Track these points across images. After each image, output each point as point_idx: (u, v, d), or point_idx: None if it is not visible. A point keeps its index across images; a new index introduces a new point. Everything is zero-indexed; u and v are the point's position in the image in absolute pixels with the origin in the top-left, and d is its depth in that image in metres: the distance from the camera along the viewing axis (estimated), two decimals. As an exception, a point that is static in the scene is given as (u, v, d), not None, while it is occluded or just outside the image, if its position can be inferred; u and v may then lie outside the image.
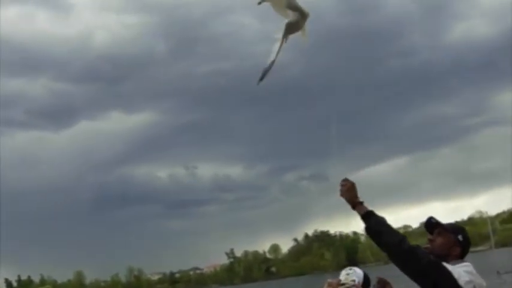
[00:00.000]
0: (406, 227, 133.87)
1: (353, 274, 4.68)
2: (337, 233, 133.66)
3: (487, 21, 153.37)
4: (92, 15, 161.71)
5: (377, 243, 3.92)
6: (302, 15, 4.39)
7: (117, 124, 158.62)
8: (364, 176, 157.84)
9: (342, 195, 4.00)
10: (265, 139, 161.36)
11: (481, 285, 3.77)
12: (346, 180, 4.01)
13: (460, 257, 3.93)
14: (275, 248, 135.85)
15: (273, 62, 4.32)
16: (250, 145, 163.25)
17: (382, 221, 3.91)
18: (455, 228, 4.13)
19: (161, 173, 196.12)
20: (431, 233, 4.10)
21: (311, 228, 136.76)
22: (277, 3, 4.47)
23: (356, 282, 4.61)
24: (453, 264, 3.76)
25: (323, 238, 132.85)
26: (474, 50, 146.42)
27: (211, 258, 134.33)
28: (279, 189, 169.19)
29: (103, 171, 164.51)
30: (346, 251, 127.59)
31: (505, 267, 39.54)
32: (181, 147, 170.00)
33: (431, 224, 4.12)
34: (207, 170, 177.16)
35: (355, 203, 3.96)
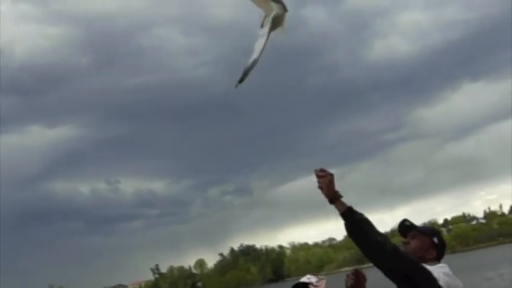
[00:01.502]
0: (331, 239, 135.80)
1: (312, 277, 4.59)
2: (263, 247, 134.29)
3: (406, 40, 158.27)
4: (12, 26, 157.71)
5: (358, 242, 3.53)
6: (284, 8, 3.89)
7: (38, 138, 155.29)
8: (288, 190, 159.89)
9: (320, 188, 3.55)
10: (189, 154, 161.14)
11: (457, 286, 3.73)
12: (324, 170, 3.55)
13: (436, 260, 3.83)
14: (201, 263, 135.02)
15: (255, 61, 3.79)
16: (174, 160, 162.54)
17: (364, 219, 3.51)
18: (431, 230, 4.01)
19: (83, 188, 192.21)
20: (404, 236, 3.95)
21: (237, 243, 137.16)
22: None
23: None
24: (430, 265, 3.66)
25: (249, 252, 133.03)
26: (393, 67, 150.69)
27: (136, 274, 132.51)
28: (203, 204, 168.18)
29: (23, 186, 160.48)
30: (272, 265, 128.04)
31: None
32: (104, 161, 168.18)
33: (405, 227, 3.98)
34: (130, 185, 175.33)
35: (336, 198, 3.52)
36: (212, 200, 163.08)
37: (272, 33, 3.95)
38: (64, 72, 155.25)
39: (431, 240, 3.88)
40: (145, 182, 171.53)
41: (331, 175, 3.54)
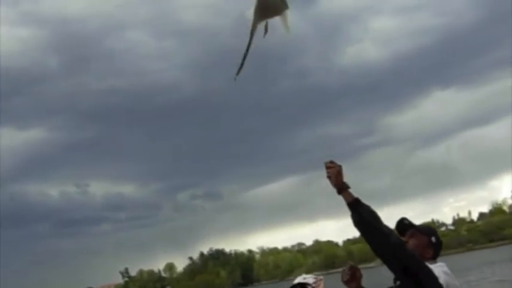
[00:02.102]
0: (300, 244, 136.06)
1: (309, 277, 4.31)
2: (232, 251, 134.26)
3: (377, 45, 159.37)
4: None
5: (364, 233, 3.59)
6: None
7: (7, 140, 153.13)
8: (258, 195, 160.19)
9: (329, 177, 3.64)
10: (158, 158, 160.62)
11: (455, 285, 3.82)
12: (332, 162, 3.68)
13: (432, 259, 3.91)
14: (170, 267, 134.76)
15: (248, 46, 3.60)
16: (144, 163, 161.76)
17: (371, 211, 3.57)
18: (429, 230, 4.12)
19: (52, 191, 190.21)
20: (402, 234, 4.00)
21: (206, 247, 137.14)
22: None
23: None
24: (429, 264, 3.70)
25: (218, 256, 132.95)
26: (364, 73, 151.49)
27: (106, 277, 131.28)
28: (173, 207, 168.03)
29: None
30: (241, 269, 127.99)
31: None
32: (73, 164, 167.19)
33: (403, 226, 4.05)
34: (99, 188, 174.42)
35: (343, 189, 3.61)
36: (182, 204, 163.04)
37: (272, 23, 3.83)
38: (34, 75, 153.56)
39: (429, 239, 4.02)
40: (114, 185, 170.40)
41: (340, 166, 3.66)
